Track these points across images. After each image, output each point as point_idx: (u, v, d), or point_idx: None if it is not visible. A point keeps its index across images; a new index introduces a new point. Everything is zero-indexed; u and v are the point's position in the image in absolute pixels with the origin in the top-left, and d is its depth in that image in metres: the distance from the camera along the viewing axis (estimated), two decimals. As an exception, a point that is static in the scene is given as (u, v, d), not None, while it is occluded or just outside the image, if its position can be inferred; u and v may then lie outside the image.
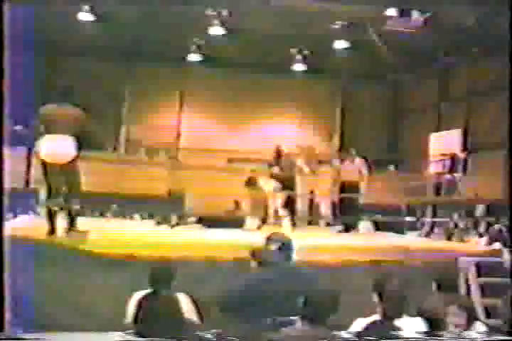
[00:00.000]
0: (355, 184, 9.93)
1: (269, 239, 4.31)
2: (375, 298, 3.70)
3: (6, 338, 3.30)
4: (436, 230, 12.68)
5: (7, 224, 3.65)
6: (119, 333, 3.59)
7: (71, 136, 6.00)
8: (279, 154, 12.01)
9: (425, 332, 3.62)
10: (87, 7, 12.63)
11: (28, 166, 13.50)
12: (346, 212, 9.92)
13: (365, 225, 12.71)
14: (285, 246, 4.24)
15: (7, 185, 3.49)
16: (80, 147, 6.09)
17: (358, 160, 10.19)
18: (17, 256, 3.75)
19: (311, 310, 3.02)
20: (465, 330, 4.06)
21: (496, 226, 10.54)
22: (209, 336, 3.41)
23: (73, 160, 6.07)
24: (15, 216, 9.61)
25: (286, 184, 11.72)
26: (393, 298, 3.64)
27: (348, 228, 9.82)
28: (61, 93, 6.29)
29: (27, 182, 13.45)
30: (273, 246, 4.22)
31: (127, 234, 7.51)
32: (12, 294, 3.39)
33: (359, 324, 3.65)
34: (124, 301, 4.46)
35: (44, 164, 6.05)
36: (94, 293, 5.42)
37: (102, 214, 13.86)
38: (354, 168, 10.03)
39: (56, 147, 5.98)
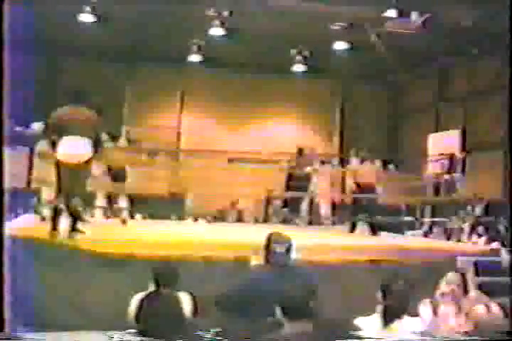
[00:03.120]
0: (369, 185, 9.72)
1: (271, 240, 4.29)
2: (379, 296, 3.72)
3: (6, 338, 3.30)
4: (435, 230, 12.70)
5: (7, 224, 3.66)
6: (119, 333, 3.60)
7: (87, 137, 6.16)
8: (300, 154, 12.11)
9: (423, 332, 3.63)
10: (88, 8, 12.63)
11: (29, 166, 13.52)
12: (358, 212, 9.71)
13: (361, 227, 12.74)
14: (288, 248, 4.25)
15: (7, 184, 3.50)
16: (95, 148, 6.26)
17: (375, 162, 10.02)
18: (17, 256, 3.76)
19: (293, 313, 3.03)
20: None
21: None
22: (209, 336, 3.43)
23: (88, 160, 6.24)
24: (15, 216, 9.62)
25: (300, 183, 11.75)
26: (396, 298, 3.66)
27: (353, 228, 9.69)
28: (75, 95, 6.45)
29: (28, 182, 13.46)
30: (278, 248, 4.22)
31: (127, 234, 7.52)
32: (12, 294, 3.40)
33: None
34: (125, 301, 4.47)
35: (58, 164, 6.19)
36: (94, 293, 5.44)
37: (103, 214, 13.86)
38: (371, 170, 9.86)
39: (74, 148, 6.16)
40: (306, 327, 2.98)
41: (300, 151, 12.01)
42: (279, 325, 3.11)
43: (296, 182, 11.82)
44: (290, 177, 12.68)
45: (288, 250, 4.24)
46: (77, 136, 6.19)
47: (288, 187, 12.14)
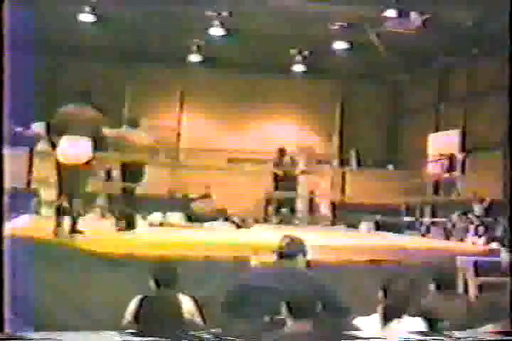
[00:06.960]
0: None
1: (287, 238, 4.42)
2: (379, 296, 3.72)
3: (6, 338, 3.30)
4: (434, 230, 12.71)
5: (7, 224, 3.66)
6: (119, 333, 3.60)
7: (89, 137, 6.13)
8: (281, 154, 12.09)
9: (422, 332, 3.63)
10: (88, 8, 12.64)
11: (29, 166, 13.52)
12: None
13: (366, 225, 12.76)
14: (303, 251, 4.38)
15: (7, 185, 3.50)
16: (95, 148, 6.23)
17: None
18: (17, 256, 3.76)
19: (297, 311, 3.03)
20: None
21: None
22: (209, 336, 3.42)
23: (89, 160, 6.20)
24: (15, 216, 9.61)
25: (288, 184, 11.76)
26: (397, 298, 3.66)
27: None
28: (79, 95, 6.42)
29: (28, 182, 13.46)
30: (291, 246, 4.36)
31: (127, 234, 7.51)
32: (12, 294, 3.40)
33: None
34: (124, 301, 4.47)
35: (59, 163, 6.15)
36: (94, 293, 5.44)
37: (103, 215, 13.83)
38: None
39: (74, 148, 6.11)
40: (309, 326, 2.98)
41: (281, 152, 11.99)
42: (281, 324, 3.12)
43: (285, 182, 11.85)
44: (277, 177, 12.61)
45: (303, 253, 4.38)
46: (77, 136, 6.13)
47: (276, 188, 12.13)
